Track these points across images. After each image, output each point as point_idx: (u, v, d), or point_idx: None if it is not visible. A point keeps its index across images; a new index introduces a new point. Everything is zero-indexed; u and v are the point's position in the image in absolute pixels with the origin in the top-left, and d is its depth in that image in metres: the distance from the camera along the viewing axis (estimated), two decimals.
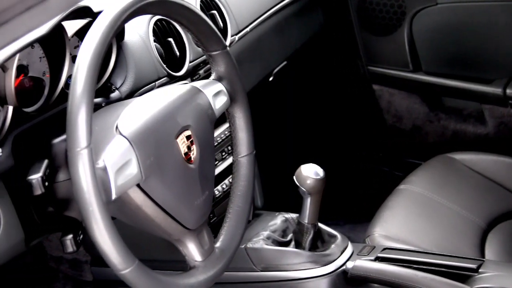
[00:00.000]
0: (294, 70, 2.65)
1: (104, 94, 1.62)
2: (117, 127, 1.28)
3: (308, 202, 1.69)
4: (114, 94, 1.63)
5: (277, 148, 2.85)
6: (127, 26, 1.65)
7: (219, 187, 1.90)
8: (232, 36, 2.05)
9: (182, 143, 1.36)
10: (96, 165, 1.18)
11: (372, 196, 2.30)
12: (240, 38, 2.10)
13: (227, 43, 1.99)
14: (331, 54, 2.84)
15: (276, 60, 2.45)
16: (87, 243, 1.36)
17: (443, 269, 1.58)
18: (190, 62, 1.84)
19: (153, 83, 1.72)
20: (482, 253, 1.85)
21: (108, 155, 1.21)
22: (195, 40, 1.51)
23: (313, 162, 1.70)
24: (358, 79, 2.78)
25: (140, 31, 1.74)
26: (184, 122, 1.38)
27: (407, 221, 1.92)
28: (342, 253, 1.73)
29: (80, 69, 1.17)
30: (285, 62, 2.49)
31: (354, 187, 2.87)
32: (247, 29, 2.15)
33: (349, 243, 1.77)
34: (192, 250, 1.40)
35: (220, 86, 1.51)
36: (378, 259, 1.66)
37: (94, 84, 1.18)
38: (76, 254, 2.17)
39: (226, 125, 1.93)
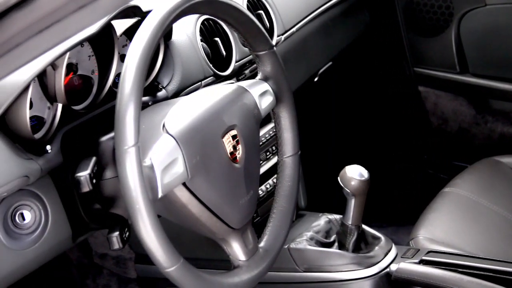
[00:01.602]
0: (339, 71, 2.64)
1: (151, 93, 1.64)
2: (164, 125, 1.29)
3: (352, 203, 1.68)
4: (161, 93, 1.64)
5: (321, 148, 2.84)
6: (175, 25, 1.66)
7: (263, 187, 1.90)
8: (278, 36, 2.05)
9: (228, 142, 1.36)
10: (143, 163, 1.19)
11: (417, 198, 2.29)
12: (286, 38, 2.10)
13: (273, 43, 2.00)
14: (376, 55, 2.82)
15: (321, 60, 2.44)
16: (132, 240, 1.37)
17: (489, 273, 1.56)
18: (236, 61, 1.85)
19: (199, 83, 1.73)
20: None
21: (155, 153, 1.22)
22: (242, 40, 1.51)
23: (357, 163, 1.70)
24: (404, 80, 2.76)
25: (187, 31, 1.75)
26: (230, 121, 1.39)
27: (452, 224, 1.90)
28: (385, 255, 1.72)
29: (129, 68, 1.18)
30: (330, 63, 2.49)
31: (398, 189, 2.85)
32: (293, 29, 2.15)
33: (393, 245, 1.76)
34: (236, 250, 1.41)
35: (266, 86, 1.51)
36: (422, 262, 1.65)
37: (142, 83, 1.19)
38: (120, 251, 2.19)
39: (271, 125, 1.93)
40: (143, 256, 2.13)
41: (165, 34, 1.29)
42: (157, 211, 1.22)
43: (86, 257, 2.30)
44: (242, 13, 1.43)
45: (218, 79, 1.79)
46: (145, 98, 1.60)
